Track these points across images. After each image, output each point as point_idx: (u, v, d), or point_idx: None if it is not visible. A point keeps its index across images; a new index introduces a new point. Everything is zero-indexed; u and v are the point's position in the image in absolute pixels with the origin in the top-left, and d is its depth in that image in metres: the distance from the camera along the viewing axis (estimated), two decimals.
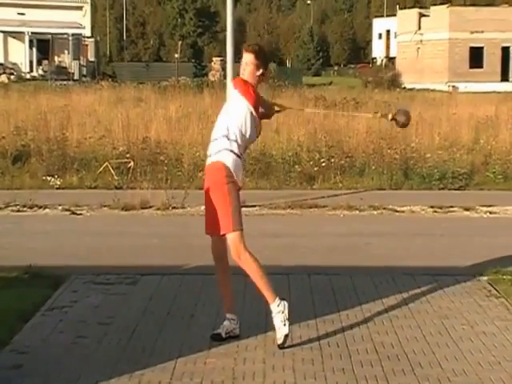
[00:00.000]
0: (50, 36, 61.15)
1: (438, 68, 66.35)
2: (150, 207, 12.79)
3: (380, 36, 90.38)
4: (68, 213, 12.49)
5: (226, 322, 6.18)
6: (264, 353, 5.89)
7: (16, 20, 60.79)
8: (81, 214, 12.41)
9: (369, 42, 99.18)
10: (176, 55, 67.54)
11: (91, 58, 67.46)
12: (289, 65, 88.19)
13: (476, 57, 66.54)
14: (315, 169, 15.77)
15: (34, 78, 56.46)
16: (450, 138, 18.55)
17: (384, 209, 12.92)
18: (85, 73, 61.87)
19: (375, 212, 12.77)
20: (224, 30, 16.96)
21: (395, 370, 5.58)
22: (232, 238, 5.95)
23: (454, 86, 58.13)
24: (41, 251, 9.55)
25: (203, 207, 12.83)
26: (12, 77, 55.36)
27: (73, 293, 7.47)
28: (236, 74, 14.39)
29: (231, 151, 5.98)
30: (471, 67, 66.44)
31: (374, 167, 16.11)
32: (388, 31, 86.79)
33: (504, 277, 8.04)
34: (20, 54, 62.71)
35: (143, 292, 7.51)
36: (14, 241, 10.23)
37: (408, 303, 7.20)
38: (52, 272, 8.04)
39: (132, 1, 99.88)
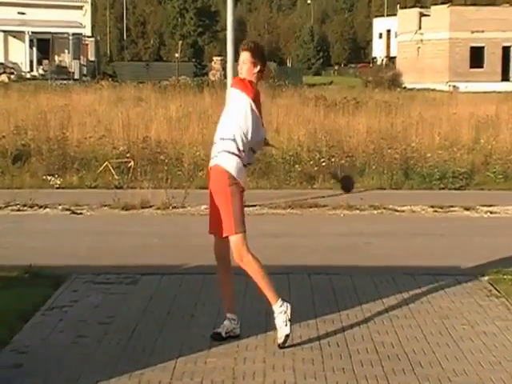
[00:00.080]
0: (50, 35, 61.14)
1: (439, 68, 66.35)
2: (151, 207, 12.79)
3: (380, 36, 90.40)
4: (68, 212, 12.49)
5: (226, 322, 6.17)
6: (264, 352, 5.88)
7: (16, 19, 60.80)
8: (81, 214, 12.41)
9: (369, 42, 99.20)
10: (176, 55, 67.52)
11: (91, 57, 67.47)
12: (289, 64, 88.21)
13: (476, 56, 66.55)
14: (315, 168, 15.77)
15: (34, 78, 56.47)
16: (450, 137, 18.55)
17: (384, 208, 12.92)
18: (85, 72, 61.87)
19: (375, 212, 12.77)
20: (224, 29, 16.96)
21: (395, 369, 5.57)
22: (234, 240, 5.95)
23: (454, 86, 58.13)
24: (41, 251, 9.55)
25: (203, 207, 12.86)
26: (12, 76, 55.36)
27: (73, 292, 7.47)
28: (236, 73, 14.44)
29: (232, 153, 5.95)
30: (472, 67, 66.44)
31: (374, 167, 16.11)
32: (388, 31, 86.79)
33: (504, 276, 8.04)
34: (20, 54, 62.73)
35: (143, 291, 7.51)
36: (14, 240, 10.23)
37: (408, 303, 7.20)
38: (52, 272, 8.04)
39: (132, 0, 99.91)
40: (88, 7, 65.06)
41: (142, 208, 12.72)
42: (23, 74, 59.65)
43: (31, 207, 12.64)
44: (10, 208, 12.61)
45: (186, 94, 28.29)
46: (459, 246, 10.23)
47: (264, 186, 15.06)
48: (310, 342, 6.13)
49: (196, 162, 15.75)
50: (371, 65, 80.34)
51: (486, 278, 8.11)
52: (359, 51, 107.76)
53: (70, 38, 61.85)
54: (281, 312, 5.98)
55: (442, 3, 72.94)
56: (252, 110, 6.01)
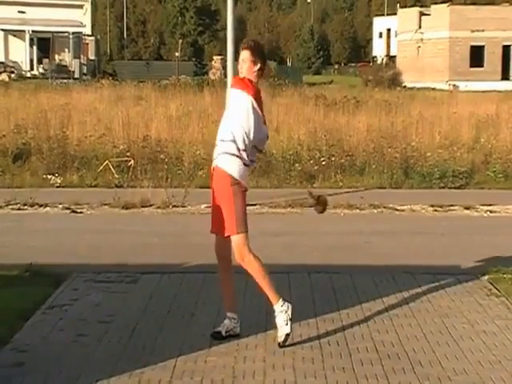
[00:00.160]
0: (50, 34, 61.13)
1: (439, 67, 66.34)
2: (151, 206, 12.79)
3: (380, 35, 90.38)
4: (68, 211, 12.49)
5: (226, 321, 6.18)
6: (264, 351, 5.89)
7: (16, 18, 60.78)
8: (81, 213, 12.41)
9: (369, 41, 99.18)
10: (176, 54, 67.55)
11: (92, 56, 67.47)
12: (289, 63, 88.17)
13: (476, 55, 66.54)
14: (315, 167, 15.78)
15: (34, 77, 56.46)
16: (450, 136, 18.56)
17: (384, 208, 12.92)
18: (85, 71, 61.86)
19: (375, 211, 12.77)
20: (224, 28, 16.95)
21: (395, 368, 5.58)
22: (236, 240, 5.96)
23: (454, 85, 58.13)
24: (41, 249, 9.55)
25: (203, 206, 12.86)
26: (12, 75, 55.34)
27: (73, 291, 7.48)
28: (236, 72, 14.42)
29: (232, 154, 5.95)
30: (472, 66, 66.42)
31: (374, 166, 16.12)
32: (388, 30, 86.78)
33: (504, 276, 8.04)
34: (20, 53, 62.72)
35: (143, 290, 7.52)
36: (15, 239, 10.23)
37: (408, 302, 7.20)
38: (52, 270, 8.04)
39: None
40: (88, 6, 65.04)
41: (142, 207, 12.72)
42: (23, 72, 59.65)
43: (31, 206, 12.65)
44: (10, 207, 12.61)
45: (186, 92, 28.28)
46: (459, 245, 10.23)
47: (264, 184, 15.06)
48: (310, 340, 6.13)
49: (196, 161, 15.76)
50: (371, 64, 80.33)
51: (486, 277, 8.11)
52: (359, 50, 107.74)
53: (71, 36, 61.83)
54: (281, 311, 5.98)
55: (442, 2, 72.89)
56: (253, 107, 6.01)
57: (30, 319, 6.61)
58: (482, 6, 69.06)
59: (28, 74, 59.19)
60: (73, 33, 61.97)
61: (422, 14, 71.97)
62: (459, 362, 5.73)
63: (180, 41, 75.06)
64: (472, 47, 66.61)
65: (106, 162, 15.68)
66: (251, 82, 6.07)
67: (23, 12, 61.40)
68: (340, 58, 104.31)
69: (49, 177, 14.91)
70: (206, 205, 12.82)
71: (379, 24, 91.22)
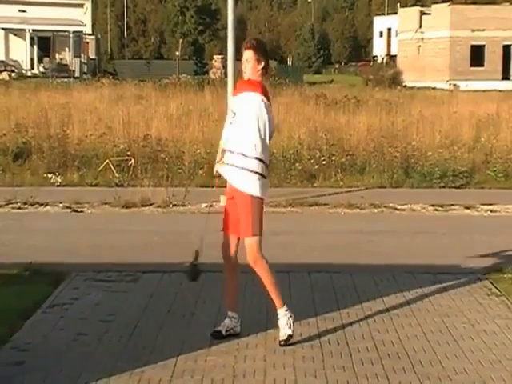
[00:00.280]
0: (50, 33, 61.18)
1: (439, 66, 66.32)
2: (151, 205, 12.79)
3: (381, 34, 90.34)
4: (69, 210, 12.49)
5: (226, 320, 6.18)
6: (265, 350, 5.89)
7: (17, 17, 60.76)
8: (82, 212, 12.41)
9: (370, 40, 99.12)
10: (177, 53, 67.56)
11: (92, 55, 67.51)
12: (290, 63, 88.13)
13: (477, 55, 66.53)
14: (316, 167, 15.78)
15: (34, 76, 56.48)
16: (450, 136, 18.56)
17: (385, 207, 12.92)
18: (86, 70, 61.90)
19: (376, 210, 12.77)
20: (225, 27, 16.94)
21: (396, 368, 5.58)
22: (250, 242, 5.98)
23: (454, 85, 58.13)
24: (41, 248, 9.55)
25: (204, 205, 12.86)
26: (13, 74, 55.37)
27: (73, 290, 7.48)
28: (237, 71, 14.39)
29: (256, 173, 5.94)
30: (472, 65, 66.41)
31: (374, 165, 16.12)
32: (389, 29, 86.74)
33: (505, 275, 8.04)
34: (21, 52, 62.71)
35: (144, 289, 7.52)
36: (15, 238, 10.24)
37: (408, 301, 7.20)
38: (52, 269, 8.04)
39: None
40: (89, 5, 65.03)
41: (143, 206, 12.72)
42: (24, 71, 59.67)
43: (32, 205, 12.65)
44: (10, 206, 12.62)
45: (186, 92, 28.29)
46: (459, 244, 10.23)
47: None
48: (311, 340, 6.13)
49: (196, 160, 15.75)
50: (372, 63, 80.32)
51: (486, 276, 8.11)
52: (360, 49, 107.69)
53: (71, 35, 61.86)
54: (285, 315, 6.03)
55: (443, 2, 72.87)
56: (266, 107, 5.98)
57: (30, 318, 6.61)
58: (482, 6, 69.04)
59: (28, 73, 59.20)
60: (73, 32, 61.99)
61: (422, 13, 71.96)
62: (459, 361, 5.73)
63: (180, 40, 75.07)
64: (472, 47, 66.61)
65: (107, 161, 15.68)
66: (257, 81, 6.05)
67: (24, 11, 61.39)
68: (340, 58, 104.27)
69: (49, 176, 14.92)
70: (206, 204, 12.83)
71: (380, 23, 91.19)
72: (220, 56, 59.27)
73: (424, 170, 15.76)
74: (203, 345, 5.97)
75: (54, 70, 56.04)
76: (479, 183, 15.64)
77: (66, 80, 46.44)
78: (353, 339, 6.16)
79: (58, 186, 14.59)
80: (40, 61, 62.91)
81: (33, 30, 62.38)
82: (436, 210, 12.90)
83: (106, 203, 12.85)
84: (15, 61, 61.75)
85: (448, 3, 69.33)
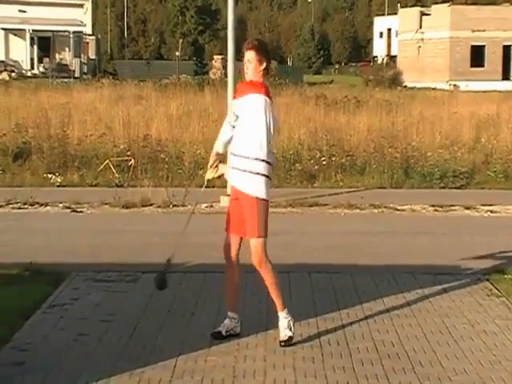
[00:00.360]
0: (50, 33, 61.20)
1: (439, 67, 66.33)
2: (151, 205, 12.79)
3: (381, 34, 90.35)
4: (69, 210, 12.49)
5: (226, 321, 6.18)
6: (265, 351, 5.89)
7: (17, 17, 60.77)
8: (81, 212, 12.41)
9: (370, 41, 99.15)
10: (177, 53, 67.57)
11: (92, 55, 67.52)
12: (290, 63, 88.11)
13: (477, 55, 66.54)
14: (316, 167, 15.78)
15: (34, 76, 56.50)
16: (450, 136, 18.56)
17: (385, 207, 12.92)
18: (86, 70, 61.91)
19: (376, 211, 12.77)
20: (225, 27, 16.95)
21: (396, 368, 5.58)
22: (256, 243, 5.99)
23: (455, 85, 58.14)
24: (41, 248, 9.55)
25: (204, 205, 12.84)
26: (13, 74, 55.39)
27: (73, 290, 7.48)
28: (237, 72, 14.39)
29: (262, 175, 5.96)
30: (472, 66, 66.43)
31: (374, 166, 16.12)
32: (389, 30, 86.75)
33: (505, 276, 8.04)
34: (21, 52, 62.72)
35: (144, 290, 7.51)
36: (15, 238, 10.23)
37: (409, 302, 7.20)
38: (53, 269, 8.04)
39: None
40: (89, 5, 65.05)
41: (143, 206, 12.72)
42: (24, 71, 59.69)
43: (32, 205, 12.65)
44: (10, 206, 12.61)
45: (186, 92, 28.29)
46: (460, 245, 10.23)
47: None
48: (311, 340, 6.13)
49: (196, 161, 15.75)
50: (372, 64, 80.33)
51: (487, 277, 8.11)
52: (360, 50, 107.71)
53: (71, 36, 61.87)
54: (286, 317, 6.04)
55: (443, 2, 72.89)
56: (270, 105, 5.97)
57: (30, 318, 6.61)
58: (482, 6, 69.06)
59: (28, 73, 59.21)
60: (73, 32, 62.00)
61: (422, 13, 71.96)
62: (459, 361, 5.73)
63: (180, 40, 75.08)
64: (473, 47, 66.62)
65: (107, 161, 15.68)
66: (260, 82, 6.04)
67: (24, 11, 61.40)
68: (340, 58, 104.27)
69: (49, 176, 14.92)
70: (206, 204, 12.83)
71: (380, 24, 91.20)
72: (220, 56, 59.30)
73: (424, 171, 15.75)
74: (203, 345, 5.97)
75: (54, 70, 56.04)
76: (479, 184, 15.64)
77: (66, 80, 46.45)
78: (353, 340, 6.16)
79: (58, 186, 14.59)
80: (40, 61, 62.93)
81: (33, 30, 62.40)
82: (436, 210, 12.90)
83: (106, 203, 12.85)
84: (15, 61, 61.77)
85: (448, 4, 69.35)
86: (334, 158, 16.12)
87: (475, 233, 11.09)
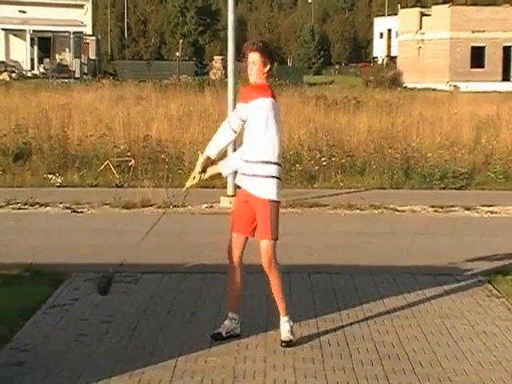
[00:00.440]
0: (51, 34, 61.21)
1: (439, 67, 66.33)
2: (151, 205, 12.79)
3: (381, 35, 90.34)
4: (69, 211, 12.49)
5: (226, 321, 6.18)
6: (265, 351, 5.89)
7: (17, 18, 60.81)
8: (82, 212, 12.41)
9: (370, 41, 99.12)
10: (177, 53, 67.57)
11: (92, 56, 67.52)
12: (290, 64, 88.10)
13: (477, 56, 66.53)
14: (316, 168, 15.78)
15: (35, 76, 56.52)
16: (451, 137, 18.56)
17: (385, 208, 12.92)
18: (86, 71, 61.92)
19: (376, 211, 12.77)
20: (225, 28, 16.94)
21: (396, 369, 5.58)
22: (267, 245, 5.99)
23: (455, 86, 58.14)
24: (42, 249, 9.55)
25: (204, 205, 12.83)
26: (13, 75, 55.40)
27: (74, 291, 7.48)
28: (237, 72, 14.38)
29: (273, 177, 5.96)
30: (472, 67, 66.43)
31: (374, 166, 16.12)
32: (389, 30, 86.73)
33: (505, 277, 8.04)
34: (21, 52, 62.75)
35: (144, 290, 7.52)
36: (15, 238, 10.24)
37: (409, 302, 7.20)
38: (53, 270, 8.05)
39: None
40: (89, 6, 65.08)
41: (143, 207, 12.72)
42: (24, 72, 59.70)
43: (32, 205, 12.65)
44: (11, 206, 12.62)
45: (186, 92, 28.29)
46: (460, 245, 10.23)
47: None
48: (311, 341, 6.13)
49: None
50: (372, 64, 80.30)
51: (487, 278, 8.11)
52: (360, 51, 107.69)
53: (71, 36, 61.89)
54: (287, 321, 6.06)
55: (443, 3, 72.89)
56: (277, 107, 5.99)
57: (30, 318, 6.61)
58: (482, 7, 69.05)
59: (29, 74, 59.23)
60: (73, 32, 62.02)
61: (422, 14, 71.95)
62: (459, 362, 5.73)
63: (181, 41, 75.08)
64: (473, 48, 66.61)
65: (107, 161, 15.68)
66: (265, 85, 6.03)
67: (24, 11, 61.44)
68: (341, 59, 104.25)
69: (49, 176, 14.92)
70: (206, 205, 12.84)
71: (380, 24, 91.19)
72: (220, 57, 59.32)
73: (424, 172, 15.76)
74: (203, 346, 5.97)
75: (55, 71, 56.07)
76: (479, 184, 15.64)
77: (66, 81, 46.45)
78: (353, 340, 6.17)
79: (58, 186, 14.59)
80: (40, 61, 62.96)
81: (33, 31, 62.44)
82: (436, 211, 12.90)
83: (106, 204, 12.85)
84: (15, 61, 61.80)
85: (448, 4, 69.34)
86: (334, 159, 16.13)
87: (475, 233, 11.09)
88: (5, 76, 52.68)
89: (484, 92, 42.40)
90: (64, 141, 16.87)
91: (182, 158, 16.07)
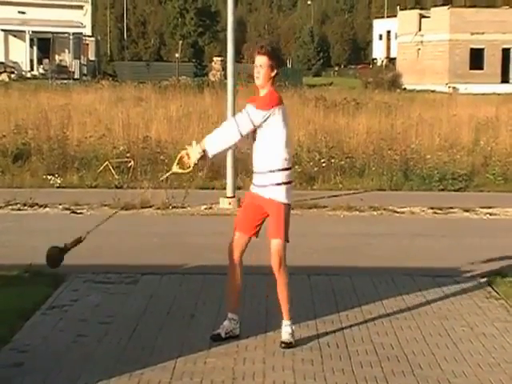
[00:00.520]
0: (50, 35, 61.14)
1: (439, 69, 66.36)
2: (151, 207, 12.79)
3: (380, 37, 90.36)
4: (68, 212, 12.49)
5: (226, 322, 6.18)
6: (264, 353, 5.89)
7: (17, 19, 60.80)
8: (81, 213, 12.41)
9: (369, 43, 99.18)
10: (176, 55, 67.55)
11: (92, 57, 67.48)
12: (289, 65, 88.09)
13: (476, 58, 66.56)
14: (315, 169, 15.79)
15: (34, 77, 56.48)
16: (450, 139, 18.57)
17: (384, 210, 12.93)
18: (85, 72, 61.89)
19: (375, 213, 12.78)
20: (225, 29, 16.96)
21: (395, 371, 5.59)
22: (278, 246, 6.02)
23: (454, 88, 58.14)
24: (41, 250, 9.48)
25: (203, 207, 12.84)
26: (13, 75, 55.34)
27: (73, 292, 7.48)
28: (237, 73, 14.36)
29: (285, 183, 6.00)
30: (471, 68, 66.45)
31: (374, 168, 16.12)
32: (388, 32, 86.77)
33: (504, 278, 8.04)
34: (21, 53, 62.73)
35: (143, 291, 7.52)
36: (15, 239, 10.24)
37: (408, 304, 7.21)
38: (52, 271, 8.03)
39: (132, 0, 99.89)
40: (88, 7, 65.07)
41: (142, 208, 12.72)
42: (24, 73, 59.67)
43: (31, 206, 12.65)
44: (10, 207, 12.61)
45: (186, 94, 28.28)
46: (459, 247, 10.24)
47: None
48: (310, 342, 6.14)
49: (196, 163, 15.72)
50: (371, 66, 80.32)
51: (486, 279, 8.12)
52: (359, 52, 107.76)
53: (71, 37, 61.85)
54: (290, 325, 6.07)
55: (442, 5, 72.94)
56: (284, 112, 6.00)
57: (29, 319, 6.62)
58: (482, 9, 69.09)
59: (28, 75, 59.21)
60: (73, 33, 61.99)
61: (422, 16, 71.99)
62: (458, 364, 5.74)
63: (180, 42, 75.04)
64: (472, 50, 66.64)
65: (106, 162, 15.68)
66: (274, 91, 6.02)
67: (23, 12, 61.43)
68: (340, 60, 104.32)
69: (49, 177, 14.91)
70: (205, 206, 12.84)
71: (379, 26, 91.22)
72: (220, 58, 59.28)
73: (423, 173, 15.76)
74: (203, 347, 5.98)
75: (54, 72, 56.02)
76: (478, 186, 15.64)
77: (65, 81, 46.43)
78: (352, 342, 6.17)
79: (57, 187, 14.58)
80: (40, 62, 62.92)
81: (32, 32, 62.42)
82: (435, 212, 12.90)
83: (105, 205, 12.84)
84: (15, 62, 61.76)
85: (447, 6, 69.38)
86: (333, 160, 16.13)
87: (474, 235, 11.10)
88: (4, 77, 52.64)
89: (483, 94, 42.42)
90: (63, 142, 16.86)
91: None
